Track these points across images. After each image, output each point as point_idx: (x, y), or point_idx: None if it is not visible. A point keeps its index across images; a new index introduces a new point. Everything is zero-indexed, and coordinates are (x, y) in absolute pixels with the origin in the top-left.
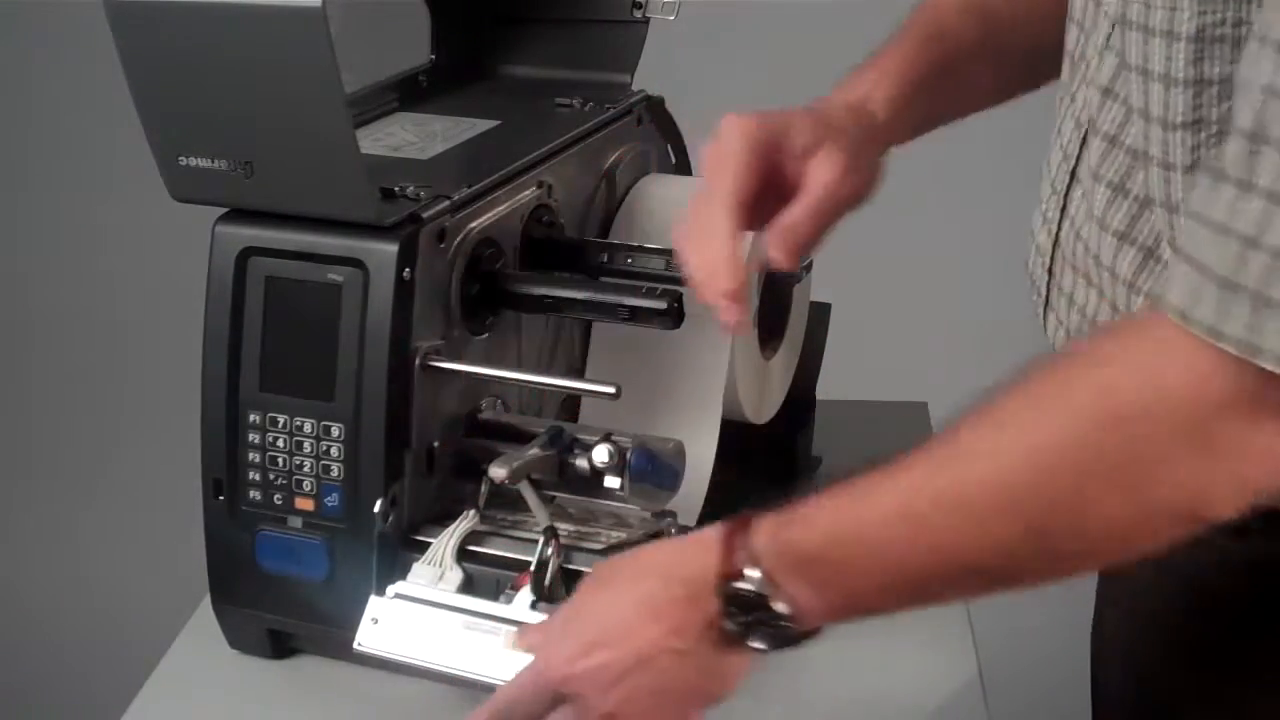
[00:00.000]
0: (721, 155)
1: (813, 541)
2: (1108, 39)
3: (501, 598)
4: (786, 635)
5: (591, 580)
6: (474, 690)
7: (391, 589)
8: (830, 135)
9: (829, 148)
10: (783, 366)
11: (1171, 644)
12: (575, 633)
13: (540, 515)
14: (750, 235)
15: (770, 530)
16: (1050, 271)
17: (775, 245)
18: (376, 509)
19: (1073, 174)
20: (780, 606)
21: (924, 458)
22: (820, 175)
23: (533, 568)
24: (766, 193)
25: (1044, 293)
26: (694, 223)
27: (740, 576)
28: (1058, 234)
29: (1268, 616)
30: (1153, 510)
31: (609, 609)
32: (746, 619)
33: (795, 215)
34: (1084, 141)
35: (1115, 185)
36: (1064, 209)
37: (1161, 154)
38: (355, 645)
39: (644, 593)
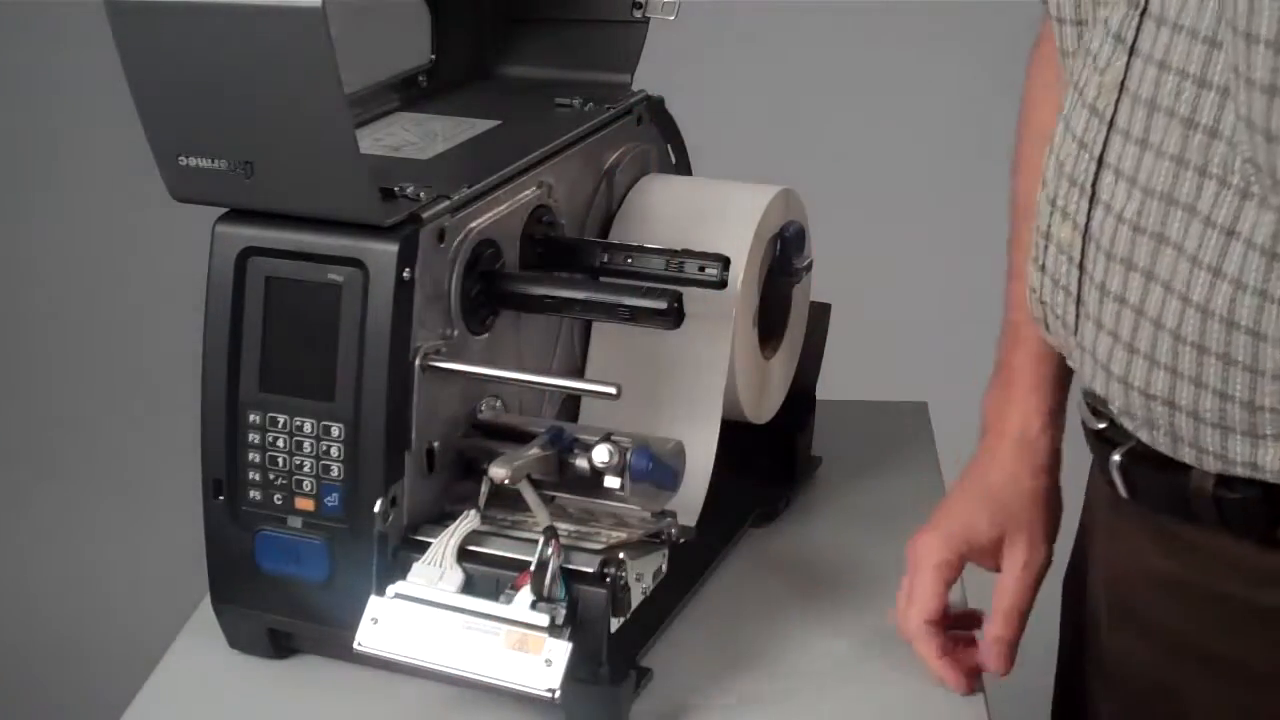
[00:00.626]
0: (916, 590)
1: None
2: (1141, 12)
3: (501, 598)
4: None
5: None
6: (474, 690)
7: (391, 589)
8: (1009, 523)
9: (1011, 539)
10: (783, 366)
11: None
12: None
13: (540, 515)
14: (772, 192)
15: None
16: (1082, 267)
17: (991, 660)
18: (376, 509)
19: (1100, 160)
20: None
21: None
22: (1008, 578)
23: (533, 568)
24: None
25: (1075, 290)
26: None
27: None
28: (1087, 227)
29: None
30: None
31: None
32: None
33: (998, 629)
34: (1111, 124)
35: (1175, 157)
36: (1093, 198)
37: (1271, 79)
38: (355, 645)
39: None
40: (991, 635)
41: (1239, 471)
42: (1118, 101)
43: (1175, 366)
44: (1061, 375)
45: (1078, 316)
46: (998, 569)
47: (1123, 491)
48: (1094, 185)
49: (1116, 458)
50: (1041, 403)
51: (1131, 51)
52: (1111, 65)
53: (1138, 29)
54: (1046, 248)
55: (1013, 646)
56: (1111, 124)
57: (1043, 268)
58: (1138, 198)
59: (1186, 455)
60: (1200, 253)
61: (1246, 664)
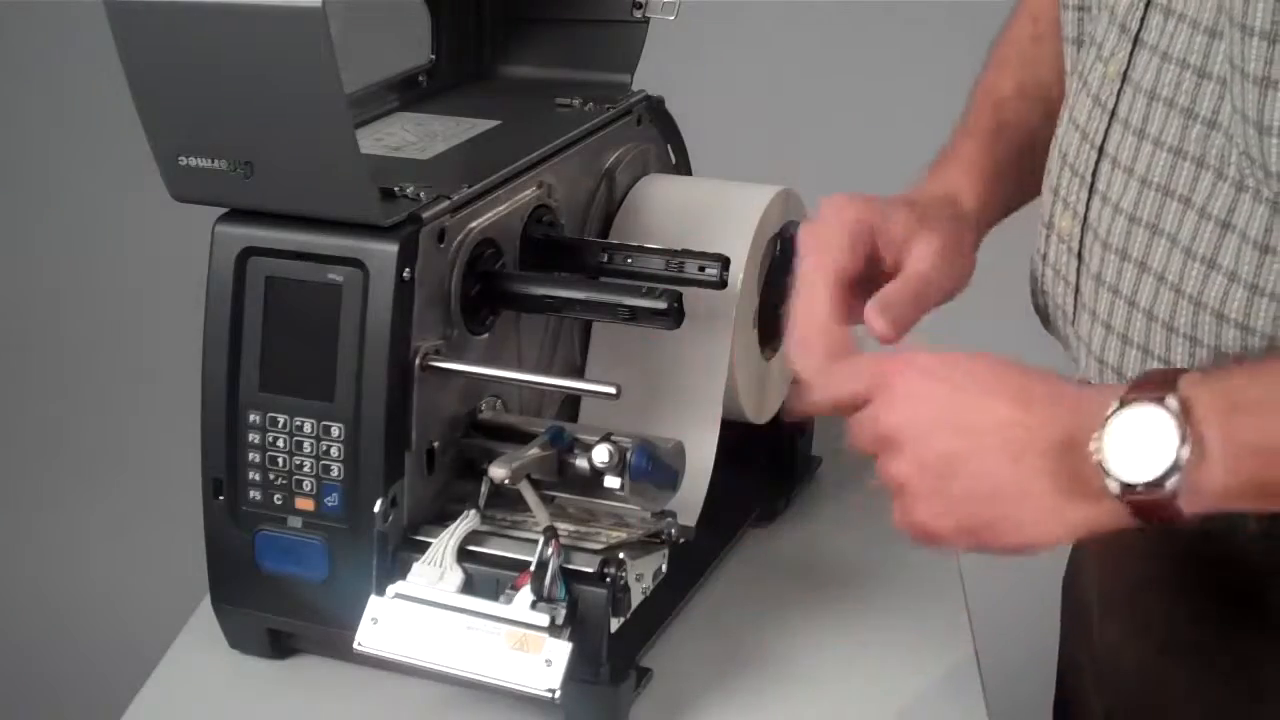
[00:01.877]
0: (822, 238)
1: (1259, 389)
2: (1147, 3)
3: (501, 598)
4: (1160, 487)
5: (986, 356)
6: (474, 690)
7: (391, 589)
8: (927, 224)
9: (926, 236)
10: (783, 366)
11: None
12: (940, 357)
13: (540, 515)
14: (772, 192)
15: (1201, 373)
16: (1080, 257)
17: (876, 315)
18: (376, 509)
19: (1101, 150)
20: (1183, 452)
21: None
22: (918, 262)
23: (533, 568)
24: (865, 277)
25: (1073, 280)
26: (798, 304)
27: (1155, 399)
28: (1085, 217)
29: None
30: None
31: (984, 368)
32: (1127, 447)
33: (895, 292)
34: (1113, 114)
35: (1174, 148)
36: (1092, 187)
37: (1264, 71)
38: (355, 645)
39: (1025, 380)
40: (884, 296)
41: None
42: (1119, 91)
43: (1169, 358)
44: (1005, 172)
45: (1075, 307)
46: (891, 276)
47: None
48: (1093, 175)
49: None
50: (977, 182)
51: (1136, 41)
52: (1115, 55)
53: (1142, 19)
54: (1049, 237)
55: (900, 317)
56: (1113, 114)
57: (1044, 257)
58: (1134, 188)
59: None
60: (1194, 244)
61: (1237, 663)
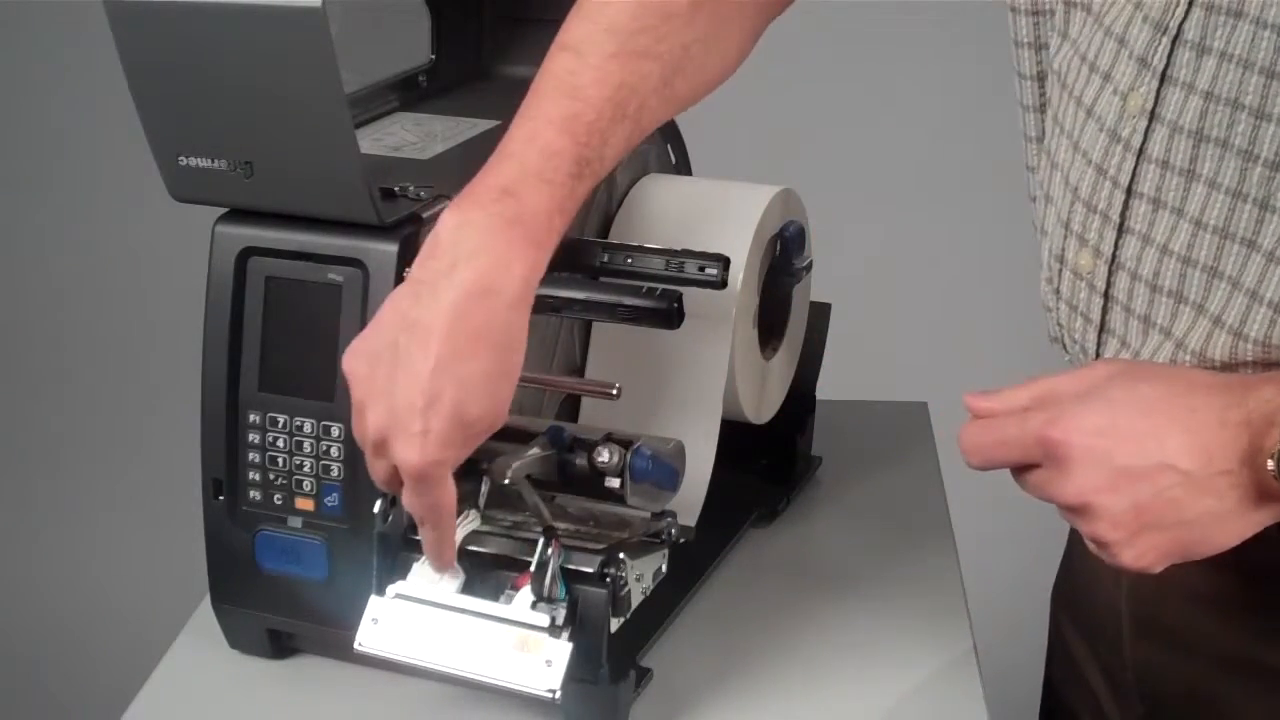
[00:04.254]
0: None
1: None
2: (1173, 39)
3: (501, 598)
4: None
5: (1130, 368)
6: (474, 690)
7: (391, 589)
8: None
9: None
10: (783, 366)
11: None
12: (1099, 408)
13: (540, 515)
14: (772, 192)
15: None
16: (1107, 295)
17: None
18: (376, 509)
19: (1129, 190)
20: None
21: None
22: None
23: (533, 568)
24: None
25: (1097, 319)
26: (424, 512)
27: None
28: (1114, 255)
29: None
30: None
31: (1147, 401)
32: None
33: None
34: (1141, 152)
35: (1233, 190)
36: (1122, 226)
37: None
38: (355, 645)
39: (1195, 402)
40: None
41: None
42: (1148, 130)
43: None
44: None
45: (1100, 343)
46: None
47: None
48: (1123, 215)
49: None
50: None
51: (1163, 79)
52: (1136, 90)
53: (1169, 57)
54: (1062, 272)
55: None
56: (1141, 152)
57: (1058, 291)
58: (1187, 229)
59: None
60: (1261, 288)
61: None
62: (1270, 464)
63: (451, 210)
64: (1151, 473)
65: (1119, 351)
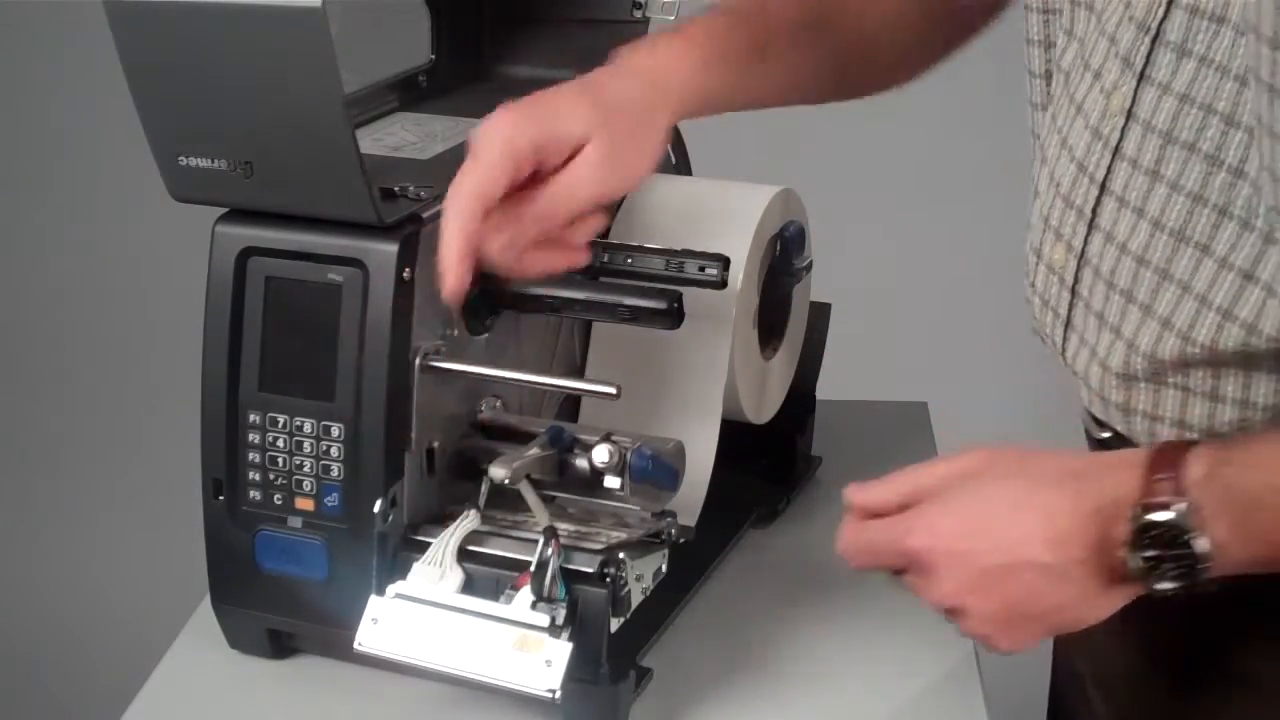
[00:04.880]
0: (477, 158)
1: (1253, 486)
2: (1152, 39)
3: (501, 598)
4: (1195, 577)
5: (965, 467)
6: (474, 690)
7: (391, 589)
8: (600, 123)
9: (594, 144)
10: (783, 366)
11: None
12: (940, 514)
13: (540, 515)
14: (772, 192)
15: (1207, 463)
16: (1074, 292)
17: (495, 249)
18: (376, 509)
19: (1104, 186)
20: (1201, 545)
21: None
22: (568, 180)
23: (533, 568)
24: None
25: (1064, 313)
26: (445, 213)
27: (1162, 506)
28: (1083, 252)
29: (1247, 633)
30: None
31: (986, 501)
32: (1155, 554)
33: (523, 217)
34: (1117, 150)
35: (1194, 194)
36: (1093, 223)
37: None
38: (355, 645)
39: (1034, 496)
40: (511, 234)
41: None
42: (1125, 128)
43: (1159, 402)
44: (738, 60)
45: (1065, 339)
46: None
47: None
48: (1094, 211)
49: (1106, 435)
50: (696, 61)
51: (1141, 78)
52: (1118, 89)
53: (1148, 57)
54: (1037, 266)
55: (519, 248)
56: (1117, 150)
57: (1033, 285)
58: (1145, 230)
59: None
60: (1210, 293)
61: (1251, 678)
62: (1122, 553)
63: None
64: (1012, 570)
65: (1079, 349)
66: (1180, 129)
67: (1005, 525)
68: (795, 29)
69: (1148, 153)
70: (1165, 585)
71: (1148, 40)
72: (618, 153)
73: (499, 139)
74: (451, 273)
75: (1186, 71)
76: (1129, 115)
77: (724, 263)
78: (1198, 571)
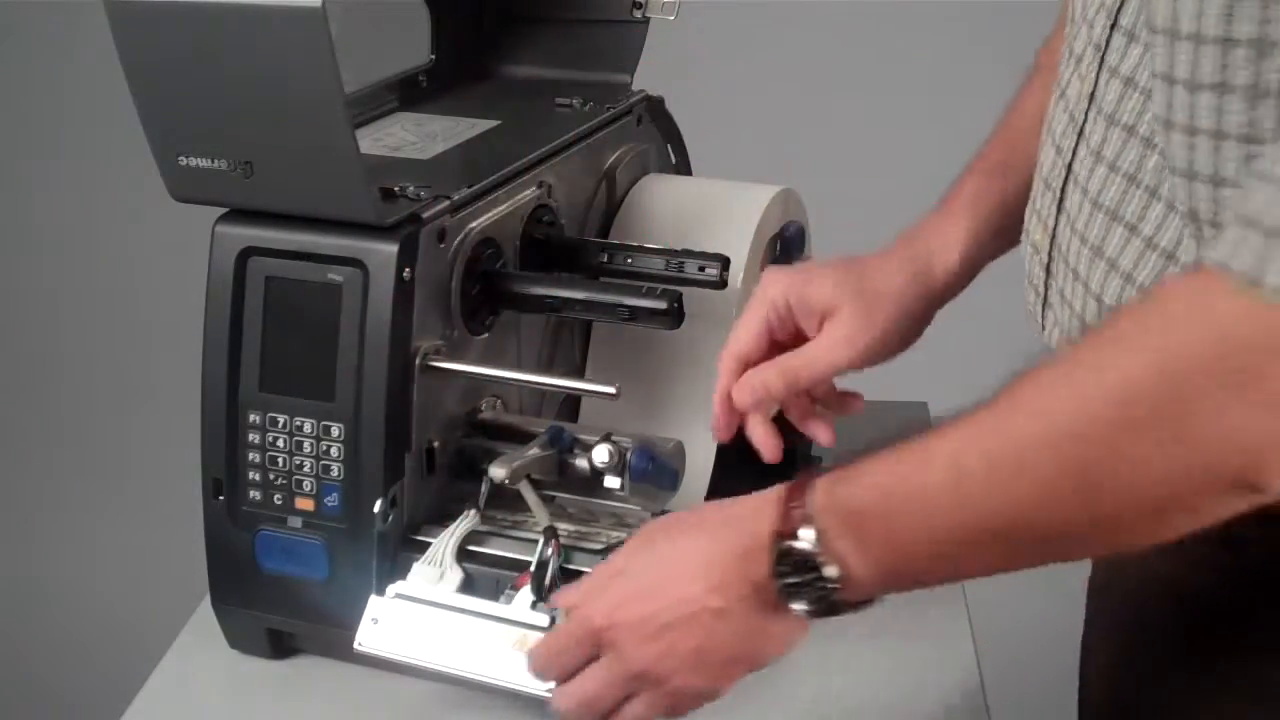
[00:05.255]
0: (744, 318)
1: (864, 497)
2: (1112, 24)
3: (502, 598)
4: (833, 601)
5: (640, 536)
6: (474, 690)
7: (391, 589)
8: (850, 296)
9: (844, 314)
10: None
11: (1159, 656)
12: (619, 585)
13: (540, 515)
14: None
15: (826, 487)
16: (1049, 270)
17: (738, 393)
18: (376, 509)
19: (1069, 169)
20: (830, 570)
21: (978, 416)
22: (817, 345)
23: (533, 568)
24: (786, 346)
25: (1042, 292)
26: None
27: (794, 535)
28: (1054, 231)
29: (1261, 629)
30: (1203, 468)
31: (657, 562)
32: (796, 580)
33: (767, 374)
34: (1081, 133)
35: (1129, 175)
36: (1060, 205)
37: (1186, 120)
38: (355, 645)
39: (695, 547)
40: (752, 377)
41: None
42: (1088, 111)
43: None
44: (995, 223)
45: (1043, 318)
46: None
47: None
48: (1062, 191)
49: None
50: (961, 245)
51: (1102, 63)
52: (1088, 75)
53: (1108, 41)
54: (1025, 245)
55: (760, 397)
56: (1081, 133)
57: (1024, 265)
58: (1087, 210)
59: None
60: (1136, 272)
61: (1218, 663)
62: (774, 585)
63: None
64: (689, 621)
65: (1053, 327)
66: (1122, 112)
67: (673, 582)
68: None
69: (1096, 134)
70: (806, 608)
71: (1108, 26)
72: (867, 328)
73: (761, 296)
74: (720, 429)
75: (1133, 56)
76: (1091, 98)
77: (724, 263)
78: (836, 595)
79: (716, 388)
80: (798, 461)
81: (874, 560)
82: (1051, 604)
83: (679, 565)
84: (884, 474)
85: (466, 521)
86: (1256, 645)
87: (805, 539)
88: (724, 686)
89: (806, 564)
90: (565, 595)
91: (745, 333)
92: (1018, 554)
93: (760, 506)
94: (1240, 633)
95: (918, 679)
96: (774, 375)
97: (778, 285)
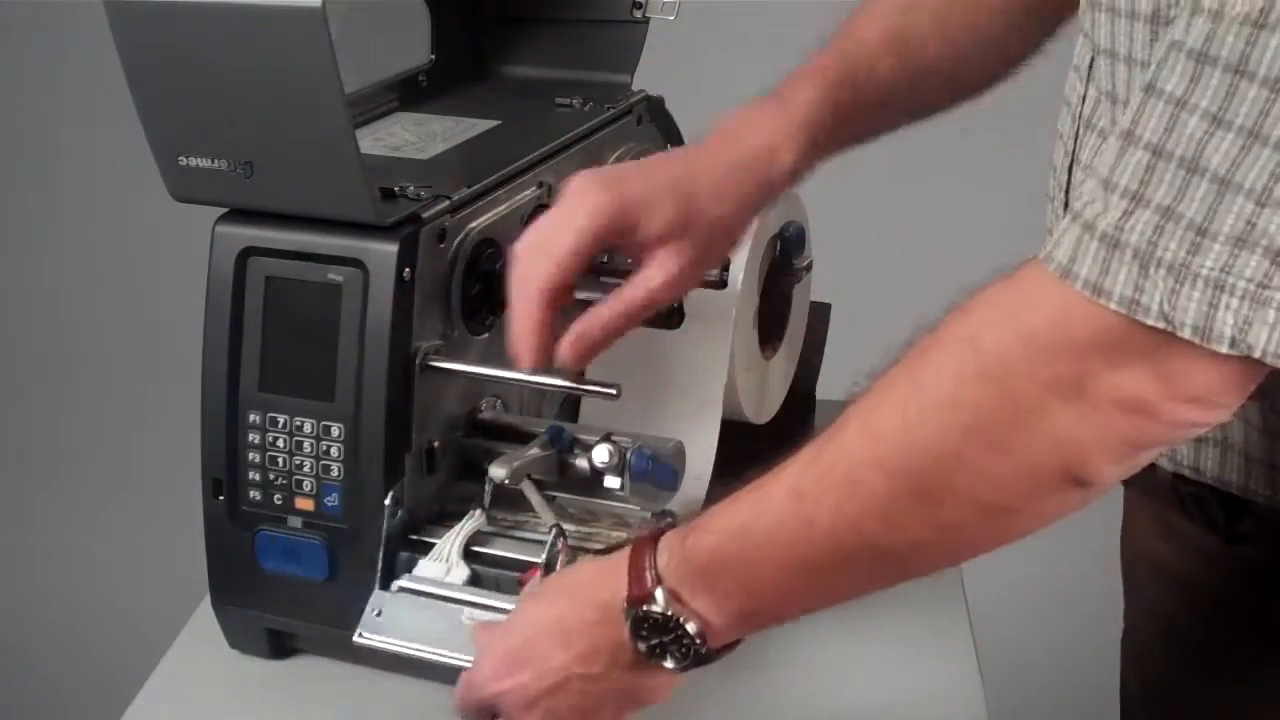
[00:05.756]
0: (546, 237)
1: (709, 543)
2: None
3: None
4: (698, 654)
5: (525, 596)
6: None
7: (396, 583)
8: (686, 228)
9: (678, 245)
10: (783, 366)
11: (1184, 653)
12: (501, 649)
13: (545, 515)
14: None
15: (671, 545)
16: None
17: (566, 346)
18: (387, 502)
19: (1070, 169)
20: (690, 626)
21: (812, 444)
22: (649, 278)
23: (542, 563)
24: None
25: None
26: (514, 285)
27: (649, 598)
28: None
29: (1257, 620)
30: (1031, 467)
31: (530, 627)
32: (657, 641)
33: (598, 319)
34: (1076, 135)
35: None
36: (1066, 203)
37: (1126, 50)
38: (356, 637)
39: (557, 614)
40: (582, 326)
41: (1185, 472)
42: (1079, 118)
43: None
44: (840, 124)
45: None
46: (638, 260)
47: None
48: (1067, 190)
49: None
50: (802, 138)
51: (1088, 79)
52: (1075, 89)
53: (1091, 61)
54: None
55: (595, 346)
56: (1076, 137)
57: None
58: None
59: None
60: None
61: (1225, 653)
62: (640, 647)
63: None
64: (562, 687)
65: None
66: (1097, 117)
67: (541, 650)
68: (889, 89)
69: (1086, 147)
70: (674, 665)
71: (1090, 43)
72: (705, 258)
73: (585, 210)
74: (525, 358)
75: (1104, 69)
76: (1088, 79)
77: (724, 263)
78: (700, 647)
79: (527, 319)
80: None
81: (732, 609)
82: (1050, 603)
83: (545, 633)
84: (727, 518)
85: (472, 521)
86: (1255, 636)
87: (658, 601)
88: None
89: (666, 624)
90: (478, 635)
91: (560, 263)
92: (873, 573)
93: (612, 571)
94: (1238, 624)
95: (918, 679)
96: (621, 317)
97: (600, 210)
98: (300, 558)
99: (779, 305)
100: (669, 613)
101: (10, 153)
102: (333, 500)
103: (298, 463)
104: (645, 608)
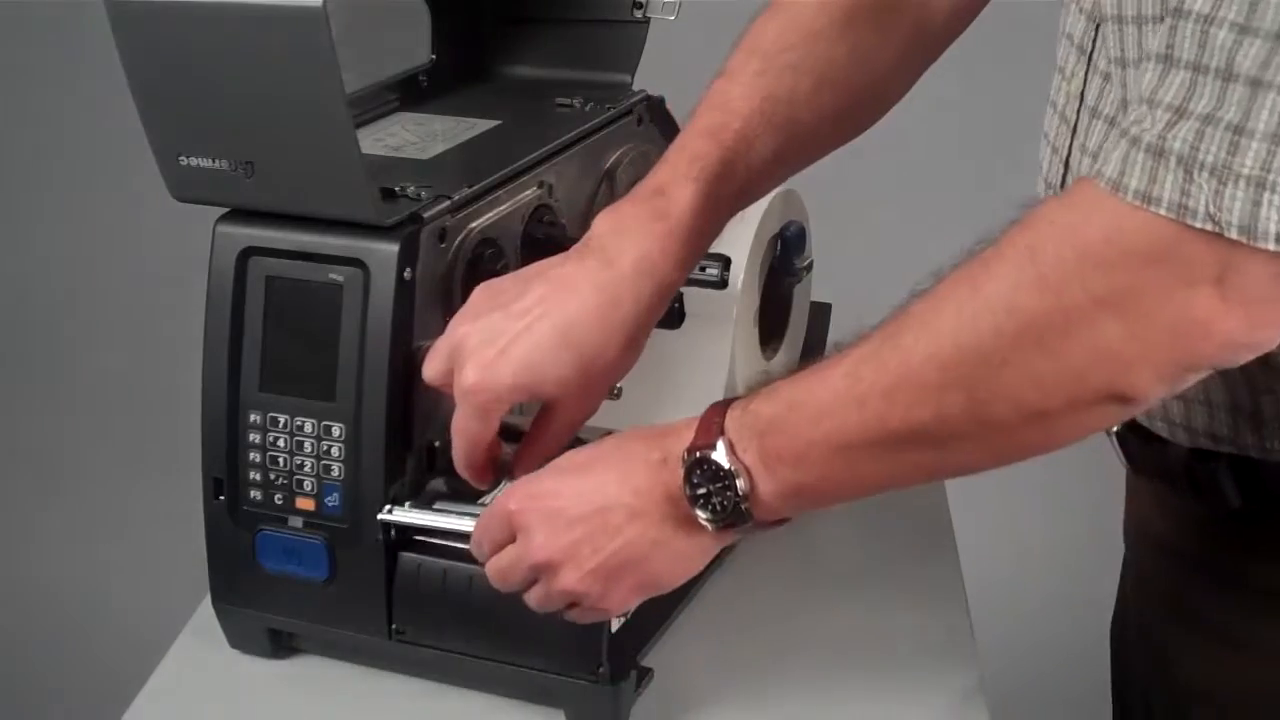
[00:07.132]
0: (468, 416)
1: (769, 411)
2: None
3: None
4: (739, 512)
5: (585, 447)
6: (475, 692)
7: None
8: (579, 389)
9: (572, 401)
10: (783, 366)
11: (1181, 621)
12: (544, 476)
13: None
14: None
15: (741, 405)
16: None
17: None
18: (387, 505)
19: (1066, 164)
20: (740, 482)
21: (874, 333)
22: (557, 426)
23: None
24: None
25: None
26: (457, 441)
27: (710, 446)
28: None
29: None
30: (1076, 376)
31: (589, 461)
32: (705, 489)
33: (536, 457)
34: (1074, 131)
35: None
36: (1066, 166)
37: (1136, 11)
38: (379, 516)
39: (620, 453)
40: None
41: (1203, 444)
42: (1079, 110)
43: None
44: (719, 219)
45: None
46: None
47: (1122, 461)
48: (1068, 156)
49: (1114, 428)
50: (684, 239)
51: (1089, 63)
52: (1075, 75)
53: (1094, 41)
54: None
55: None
56: (1074, 131)
57: None
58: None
59: (1160, 429)
60: None
61: (1229, 630)
62: (687, 491)
63: (608, 210)
64: (604, 514)
65: None
66: (1103, 104)
67: (591, 479)
68: (761, 126)
69: (1094, 135)
70: (713, 516)
71: (1093, 26)
72: (597, 399)
73: (489, 408)
74: (477, 484)
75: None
76: (1081, 99)
77: (724, 263)
78: (740, 503)
79: (468, 474)
80: None
81: (782, 477)
82: (1049, 604)
83: (598, 466)
84: (790, 389)
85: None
86: (1241, 597)
87: (718, 449)
88: (615, 602)
89: (718, 474)
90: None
91: (478, 442)
92: (914, 464)
93: (686, 426)
94: (1228, 587)
95: (918, 680)
96: (538, 460)
97: (505, 394)
98: (301, 558)
99: (779, 305)
100: (722, 463)
101: (10, 153)
102: (333, 500)
103: (298, 462)
104: (703, 453)
